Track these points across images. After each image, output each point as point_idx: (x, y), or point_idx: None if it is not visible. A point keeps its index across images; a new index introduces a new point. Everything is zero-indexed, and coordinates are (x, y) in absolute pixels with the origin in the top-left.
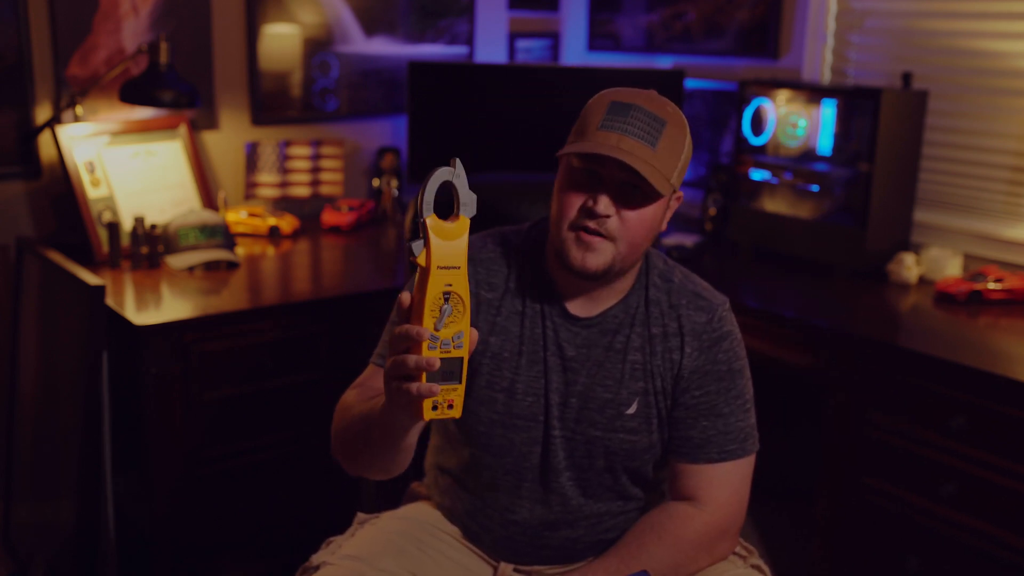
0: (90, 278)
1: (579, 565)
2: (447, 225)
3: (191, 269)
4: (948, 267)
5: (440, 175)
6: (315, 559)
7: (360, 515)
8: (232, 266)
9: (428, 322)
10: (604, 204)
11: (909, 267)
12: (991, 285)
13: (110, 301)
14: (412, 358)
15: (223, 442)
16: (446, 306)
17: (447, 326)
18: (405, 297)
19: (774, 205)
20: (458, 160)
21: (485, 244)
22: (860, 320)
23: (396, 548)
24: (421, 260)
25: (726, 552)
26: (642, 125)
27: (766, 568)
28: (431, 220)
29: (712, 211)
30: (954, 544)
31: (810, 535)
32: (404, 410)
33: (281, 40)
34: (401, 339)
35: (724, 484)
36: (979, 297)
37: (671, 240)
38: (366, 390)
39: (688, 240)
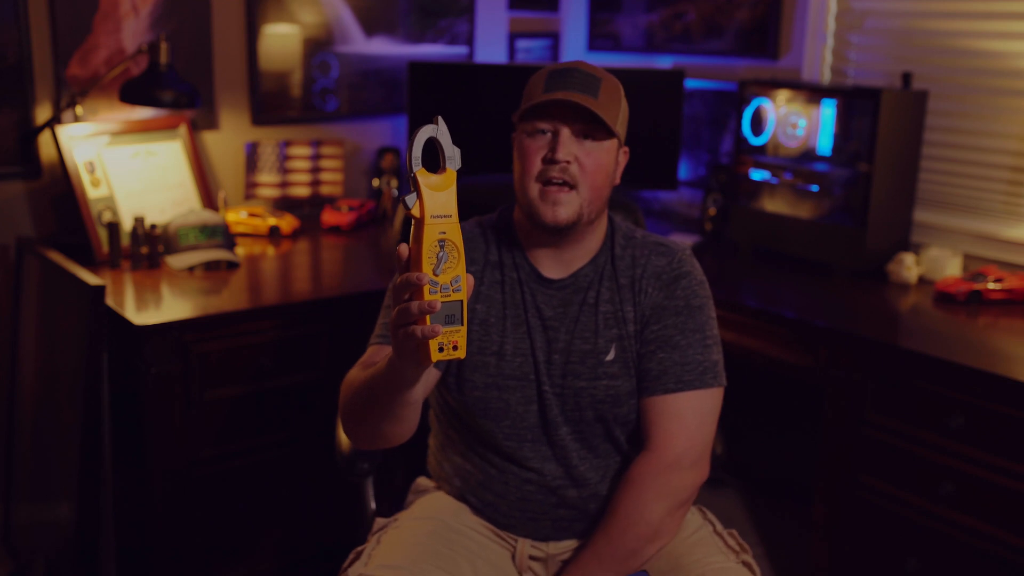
0: (90, 278)
1: (572, 551)
2: (436, 177)
3: (191, 269)
4: (948, 267)
5: (425, 132)
6: (352, 572)
7: (379, 520)
8: (232, 266)
9: (427, 268)
10: (564, 150)
11: (909, 267)
12: (991, 285)
13: (110, 301)
14: (415, 304)
15: (223, 442)
16: (442, 253)
17: (444, 272)
18: (403, 249)
19: (774, 205)
20: (440, 117)
21: (464, 229)
22: (860, 320)
23: (431, 551)
24: (415, 211)
25: (682, 487)
26: (582, 81)
27: (756, 568)
28: (420, 173)
29: (712, 211)
30: (953, 544)
31: (810, 535)
32: (411, 357)
33: (281, 40)
34: (403, 288)
35: (674, 417)
36: (979, 297)
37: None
38: (369, 364)
39: (688, 240)
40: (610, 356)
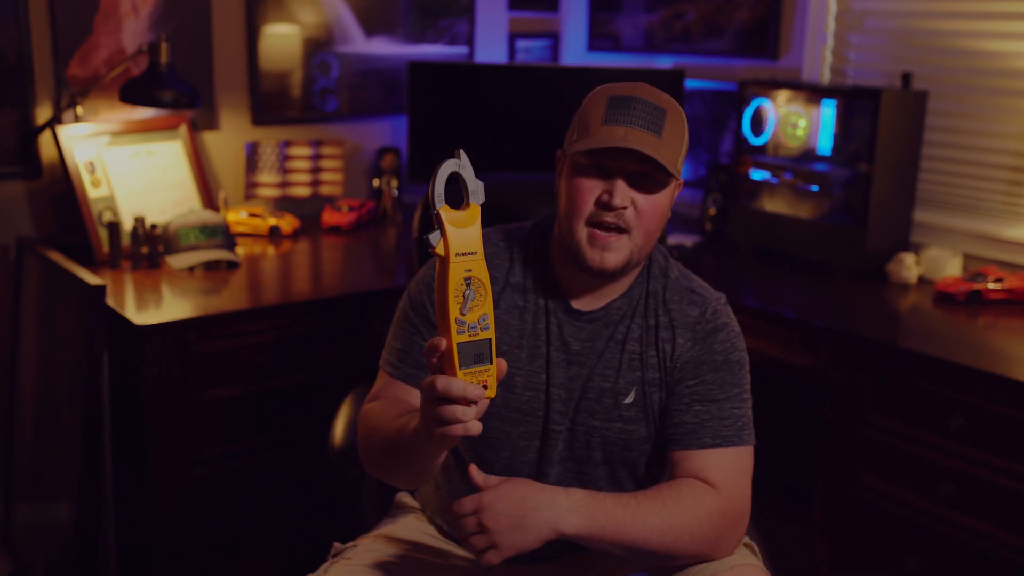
0: (90, 278)
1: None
2: (459, 214)
3: (191, 269)
4: (948, 267)
5: (447, 167)
6: None
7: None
8: (232, 266)
9: (453, 308)
10: (620, 196)
11: (909, 267)
12: (991, 285)
13: (110, 301)
14: (449, 410)
15: (223, 442)
16: (468, 291)
17: (472, 310)
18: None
19: (774, 205)
20: (462, 151)
21: (488, 239)
22: (860, 320)
23: None
24: (440, 250)
25: (733, 547)
26: (645, 116)
27: (755, 547)
28: (444, 211)
29: (712, 211)
30: (953, 544)
31: (810, 535)
32: (444, 441)
33: (281, 40)
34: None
35: (727, 468)
36: (979, 297)
37: (671, 240)
38: (388, 404)
39: (688, 240)
40: (629, 399)
